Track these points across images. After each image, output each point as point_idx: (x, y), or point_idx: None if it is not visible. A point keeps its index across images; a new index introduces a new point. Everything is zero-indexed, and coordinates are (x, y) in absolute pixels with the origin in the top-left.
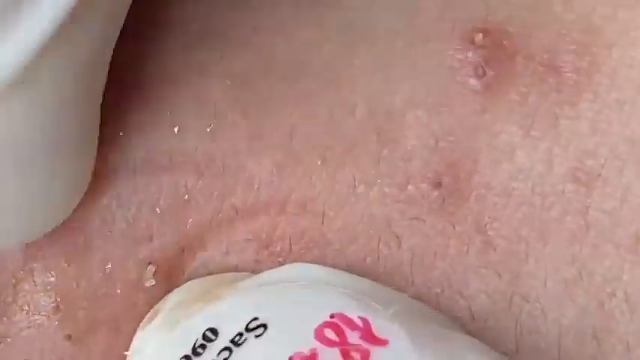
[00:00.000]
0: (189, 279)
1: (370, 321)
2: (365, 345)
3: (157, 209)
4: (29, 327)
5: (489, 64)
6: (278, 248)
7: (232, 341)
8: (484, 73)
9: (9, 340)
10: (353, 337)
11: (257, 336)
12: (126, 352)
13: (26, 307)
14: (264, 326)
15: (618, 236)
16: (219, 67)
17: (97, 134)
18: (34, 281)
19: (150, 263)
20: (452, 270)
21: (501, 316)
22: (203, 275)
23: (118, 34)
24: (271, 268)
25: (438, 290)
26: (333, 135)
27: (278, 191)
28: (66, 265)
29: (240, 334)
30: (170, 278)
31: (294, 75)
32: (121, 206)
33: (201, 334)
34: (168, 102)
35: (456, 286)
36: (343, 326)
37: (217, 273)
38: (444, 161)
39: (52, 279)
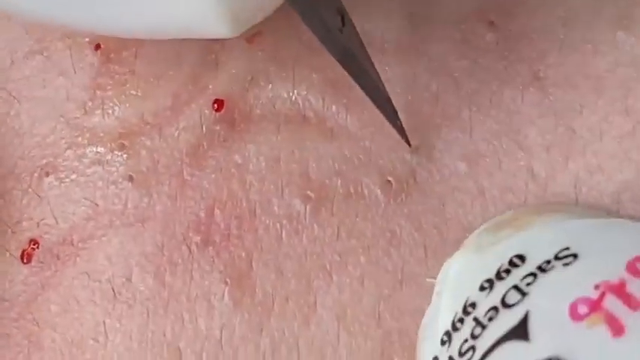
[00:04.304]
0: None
1: None
2: None
3: None
4: None
5: None
6: None
7: (539, 267)
8: None
9: None
10: None
11: (565, 264)
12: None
13: None
14: (575, 256)
15: None
16: None
17: None
18: None
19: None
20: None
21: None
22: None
23: None
24: None
25: (496, 143)
26: None
27: None
28: None
29: (548, 262)
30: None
31: None
32: None
33: (507, 260)
34: None
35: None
36: None
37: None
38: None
39: None
